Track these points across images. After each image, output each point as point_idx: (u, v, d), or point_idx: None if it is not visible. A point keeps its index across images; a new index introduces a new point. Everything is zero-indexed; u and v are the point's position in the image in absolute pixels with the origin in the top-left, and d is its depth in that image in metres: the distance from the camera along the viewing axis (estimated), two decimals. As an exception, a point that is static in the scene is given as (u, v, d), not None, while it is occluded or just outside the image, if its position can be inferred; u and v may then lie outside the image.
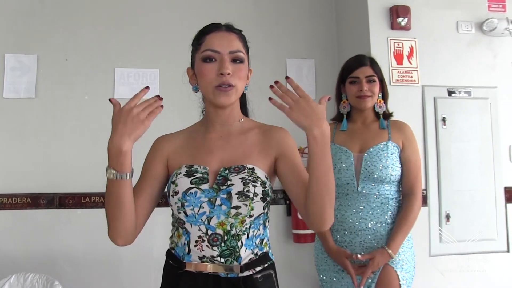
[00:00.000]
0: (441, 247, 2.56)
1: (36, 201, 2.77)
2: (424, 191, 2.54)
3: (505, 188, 2.69)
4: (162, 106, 1.08)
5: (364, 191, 1.83)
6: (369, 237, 1.82)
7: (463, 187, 2.62)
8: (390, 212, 1.82)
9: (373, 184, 1.82)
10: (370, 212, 1.82)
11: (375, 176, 1.80)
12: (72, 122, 2.86)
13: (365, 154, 1.84)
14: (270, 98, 1.09)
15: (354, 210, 1.83)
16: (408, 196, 1.84)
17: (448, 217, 2.58)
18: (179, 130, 1.32)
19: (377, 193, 1.82)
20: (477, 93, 2.73)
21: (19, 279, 2.24)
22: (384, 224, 1.81)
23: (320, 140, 1.03)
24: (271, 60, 2.94)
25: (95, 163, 2.81)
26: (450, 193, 2.61)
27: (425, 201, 2.54)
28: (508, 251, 2.65)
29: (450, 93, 2.69)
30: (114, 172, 1.07)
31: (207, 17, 2.96)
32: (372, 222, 1.81)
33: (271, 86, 1.08)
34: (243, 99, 1.33)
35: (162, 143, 1.27)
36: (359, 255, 1.79)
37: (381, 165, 1.80)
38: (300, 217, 2.75)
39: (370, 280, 1.80)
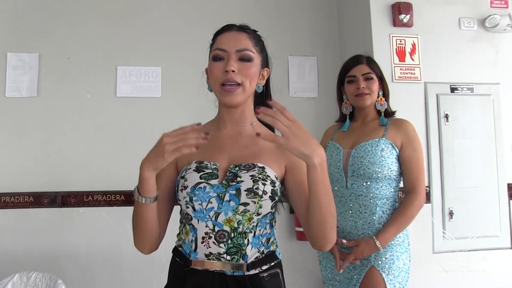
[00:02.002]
0: (445, 244, 2.56)
1: (38, 199, 2.77)
2: (427, 188, 2.54)
3: (508, 184, 2.69)
4: (206, 138, 1.03)
5: (353, 188, 1.81)
6: (358, 237, 1.80)
7: (466, 184, 2.62)
8: (379, 214, 1.78)
9: (361, 181, 1.80)
10: (359, 211, 1.80)
11: (362, 172, 1.78)
12: (74, 120, 2.86)
13: (353, 150, 1.83)
14: (256, 112, 1.01)
15: (344, 208, 1.82)
16: (408, 193, 1.81)
17: (451, 213, 2.58)
18: None
19: (365, 190, 1.79)
20: (480, 90, 2.72)
21: (22, 278, 2.23)
22: (371, 226, 1.78)
23: (320, 167, 1.04)
24: (273, 57, 2.92)
25: (98, 161, 2.84)
26: (453, 190, 2.60)
27: (428, 198, 2.53)
28: (511, 247, 2.65)
29: (453, 89, 2.69)
30: (137, 195, 1.09)
31: (209, 15, 3.02)
32: (360, 222, 1.79)
33: (256, 111, 1.01)
34: (263, 101, 1.29)
35: None
36: (344, 240, 1.79)
37: (367, 161, 1.78)
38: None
39: (355, 281, 1.78)
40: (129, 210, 3.06)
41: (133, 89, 2.92)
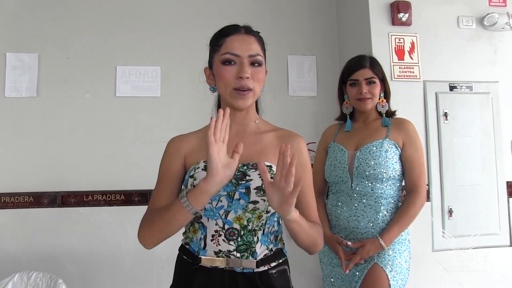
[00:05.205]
0: (444, 242, 2.56)
1: (38, 200, 2.77)
2: (427, 186, 2.54)
3: (507, 182, 2.69)
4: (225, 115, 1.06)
5: (358, 189, 1.83)
6: (361, 236, 1.82)
7: (465, 182, 2.62)
8: (383, 213, 1.80)
9: (366, 182, 1.81)
10: (363, 211, 1.81)
11: (367, 173, 1.80)
12: (73, 120, 2.86)
13: (358, 152, 1.84)
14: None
15: (348, 208, 1.84)
16: (411, 193, 1.84)
17: (450, 212, 2.58)
18: (193, 131, 1.32)
19: (370, 191, 1.81)
20: (479, 88, 2.72)
21: (22, 278, 2.24)
22: (375, 224, 1.80)
23: (297, 219, 1.09)
24: (272, 56, 2.90)
25: (97, 161, 2.84)
26: (452, 188, 2.61)
27: (427, 196, 2.53)
28: (510, 245, 2.65)
29: (452, 88, 2.69)
30: (188, 204, 1.06)
31: (208, 14, 3.02)
32: (364, 221, 1.81)
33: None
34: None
35: (177, 143, 1.26)
36: (349, 243, 1.81)
37: (373, 163, 1.80)
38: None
39: (357, 277, 1.80)
40: (128, 210, 3.07)
41: (132, 88, 2.92)
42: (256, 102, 1.35)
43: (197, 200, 1.05)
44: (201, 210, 1.09)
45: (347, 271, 1.79)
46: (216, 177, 1.03)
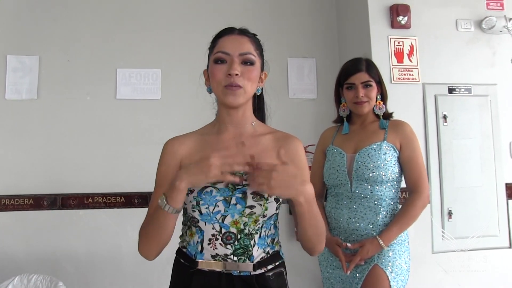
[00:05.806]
0: (444, 243, 2.57)
1: (38, 202, 2.77)
2: (426, 188, 2.55)
3: (506, 184, 2.70)
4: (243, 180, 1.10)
5: (357, 192, 1.83)
6: (361, 237, 1.82)
7: (464, 184, 2.63)
8: (382, 214, 1.81)
9: (366, 185, 1.82)
10: (363, 212, 1.82)
11: (366, 176, 1.80)
12: (74, 123, 2.86)
13: (357, 154, 1.85)
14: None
15: (348, 210, 1.84)
16: (412, 193, 1.84)
17: (450, 213, 2.59)
18: (189, 132, 1.31)
19: (370, 193, 1.82)
20: (477, 90, 2.74)
21: (22, 281, 2.24)
22: (375, 226, 1.81)
23: (307, 203, 1.09)
24: (272, 59, 2.91)
25: (97, 163, 2.85)
26: (452, 190, 2.62)
27: (427, 198, 2.55)
28: (510, 247, 2.66)
29: (451, 90, 2.70)
30: (165, 204, 1.08)
31: (209, 17, 3.03)
32: (364, 223, 1.81)
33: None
34: (259, 103, 1.34)
35: (174, 146, 1.26)
36: (348, 244, 1.81)
37: (372, 165, 1.80)
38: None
39: (357, 279, 1.80)
40: (128, 212, 3.07)
41: (133, 91, 2.93)
42: (262, 107, 1.35)
43: (172, 198, 1.07)
44: (180, 207, 1.09)
45: (348, 272, 1.79)
46: (183, 169, 1.07)
